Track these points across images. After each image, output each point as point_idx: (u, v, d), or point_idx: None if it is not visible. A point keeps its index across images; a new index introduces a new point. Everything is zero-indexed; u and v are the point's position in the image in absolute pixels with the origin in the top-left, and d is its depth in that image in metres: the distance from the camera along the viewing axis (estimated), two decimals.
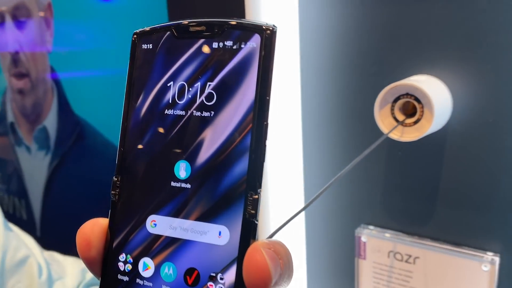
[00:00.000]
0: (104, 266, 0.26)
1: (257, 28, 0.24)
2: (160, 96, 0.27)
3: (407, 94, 0.59)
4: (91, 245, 0.25)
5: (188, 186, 0.25)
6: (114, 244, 0.26)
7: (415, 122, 0.59)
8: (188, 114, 0.25)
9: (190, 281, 0.24)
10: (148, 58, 0.27)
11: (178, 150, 0.25)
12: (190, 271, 0.24)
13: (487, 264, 0.60)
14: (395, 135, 0.60)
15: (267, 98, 0.24)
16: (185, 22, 0.26)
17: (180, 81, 0.26)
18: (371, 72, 0.66)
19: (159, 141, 0.26)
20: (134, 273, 0.25)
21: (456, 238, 0.64)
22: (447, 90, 0.61)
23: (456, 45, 0.60)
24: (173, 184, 0.25)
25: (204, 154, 0.25)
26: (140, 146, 0.26)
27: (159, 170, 0.26)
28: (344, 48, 0.68)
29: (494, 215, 0.61)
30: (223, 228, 0.24)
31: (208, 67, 0.25)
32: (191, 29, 0.26)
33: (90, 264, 0.26)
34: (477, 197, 0.62)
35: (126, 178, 0.26)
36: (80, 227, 0.26)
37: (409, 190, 0.67)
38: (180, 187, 0.25)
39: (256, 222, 0.23)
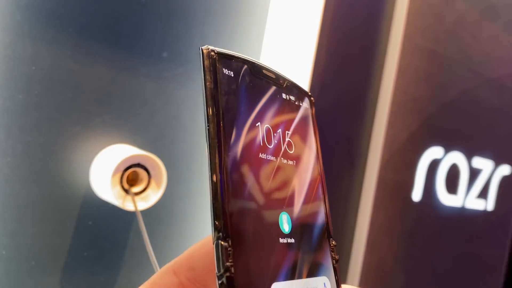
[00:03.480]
0: None
1: (306, 92, 0.27)
2: (252, 136, 0.23)
3: (138, 165, 0.62)
4: None
5: (292, 240, 0.23)
6: None
7: (142, 192, 0.63)
8: (278, 160, 0.24)
9: None
10: (232, 87, 0.24)
11: (277, 201, 0.23)
12: None
13: None
14: (117, 203, 0.61)
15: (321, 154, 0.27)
16: (257, 62, 0.25)
17: (266, 124, 0.24)
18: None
19: (260, 190, 0.22)
20: None
21: None
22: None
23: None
24: (281, 240, 0.22)
25: (297, 205, 0.24)
26: (243, 198, 0.21)
27: (267, 227, 0.22)
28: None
29: None
30: (326, 280, 0.24)
31: (284, 115, 0.25)
32: (264, 71, 0.25)
33: None
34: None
35: (237, 241, 0.20)
36: None
37: (95, 261, 0.66)
38: (287, 243, 0.22)
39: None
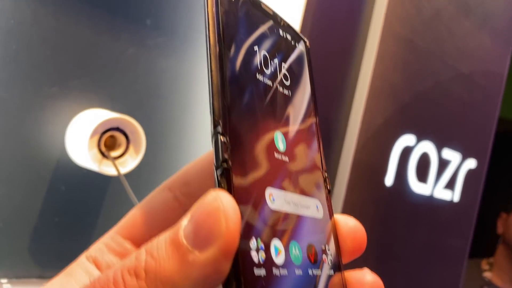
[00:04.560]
0: (234, 263, 0.18)
1: (302, 37, 0.27)
2: (250, 57, 0.23)
3: (117, 129, 0.61)
4: (239, 230, 0.17)
5: (287, 159, 0.23)
6: (242, 227, 0.19)
7: (120, 157, 0.61)
8: (274, 86, 0.24)
9: (312, 259, 0.22)
10: (232, 9, 0.24)
11: (273, 121, 0.23)
12: (310, 248, 0.22)
13: None
14: (94, 167, 0.60)
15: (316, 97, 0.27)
16: None
17: (263, 51, 0.24)
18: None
19: (256, 106, 0.22)
20: (269, 262, 0.19)
21: None
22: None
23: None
24: (276, 155, 0.23)
25: (292, 130, 0.24)
26: (241, 105, 0.21)
27: (263, 139, 0.22)
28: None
29: None
30: (318, 202, 0.24)
31: (280, 49, 0.25)
32: (263, 6, 0.26)
33: (228, 261, 0.17)
34: None
35: (234, 139, 0.20)
36: (220, 200, 0.17)
37: (66, 228, 0.64)
38: (282, 160, 0.23)
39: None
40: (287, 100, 0.25)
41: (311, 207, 0.23)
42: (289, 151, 0.23)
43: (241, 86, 0.22)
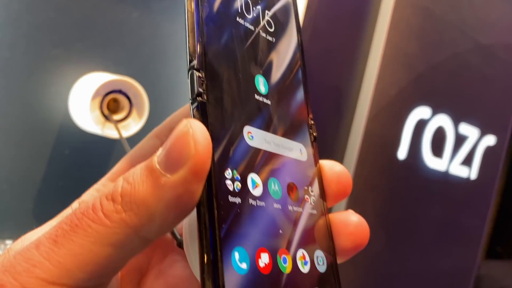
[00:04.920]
0: (208, 187, 0.18)
1: None
2: (229, 0, 0.23)
3: (120, 92, 0.60)
4: (210, 153, 0.18)
5: (269, 102, 0.23)
6: (216, 158, 0.19)
7: (122, 120, 0.61)
8: (256, 31, 0.24)
9: (293, 196, 0.22)
10: None
11: (254, 65, 0.23)
12: (290, 186, 0.23)
13: None
14: (97, 130, 0.59)
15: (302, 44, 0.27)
16: None
17: None
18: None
19: (236, 48, 0.23)
20: (245, 192, 0.20)
21: None
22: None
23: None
24: (256, 97, 0.23)
25: (275, 75, 0.24)
26: (219, 45, 0.22)
27: (242, 80, 0.22)
28: None
29: None
30: (301, 146, 0.24)
31: None
32: None
33: (198, 182, 0.18)
34: None
35: (211, 76, 0.21)
36: (190, 126, 0.18)
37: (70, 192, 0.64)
38: (263, 102, 0.23)
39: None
40: (271, 46, 0.25)
41: (294, 150, 0.24)
42: (272, 95, 0.24)
43: (219, 27, 0.22)
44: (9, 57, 0.59)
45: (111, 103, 0.61)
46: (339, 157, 0.80)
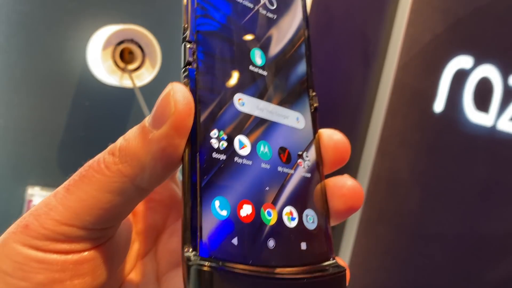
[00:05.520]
0: (192, 144, 0.21)
1: None
2: None
3: (131, 40, 0.60)
4: (191, 112, 0.20)
5: (265, 73, 0.25)
6: (202, 119, 0.22)
7: (136, 70, 0.61)
8: (256, 8, 0.25)
9: (284, 159, 0.24)
10: None
11: (251, 38, 0.25)
12: (282, 150, 0.24)
13: None
14: (114, 81, 0.60)
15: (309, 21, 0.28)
16: None
17: None
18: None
19: (233, 22, 0.24)
20: (231, 150, 0.22)
21: None
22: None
23: None
24: (251, 68, 0.24)
25: (274, 49, 0.26)
26: (213, 20, 0.24)
27: (236, 51, 0.24)
28: None
29: None
30: (299, 115, 0.26)
31: None
32: None
33: (180, 137, 0.20)
34: None
35: (204, 48, 0.23)
36: (172, 88, 0.20)
37: (92, 142, 0.66)
38: (258, 73, 0.25)
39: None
40: (271, 22, 0.26)
41: (290, 118, 0.25)
42: (269, 66, 0.25)
43: (217, 3, 0.24)
44: (27, 10, 0.61)
45: (126, 54, 0.62)
46: (367, 109, 0.76)
